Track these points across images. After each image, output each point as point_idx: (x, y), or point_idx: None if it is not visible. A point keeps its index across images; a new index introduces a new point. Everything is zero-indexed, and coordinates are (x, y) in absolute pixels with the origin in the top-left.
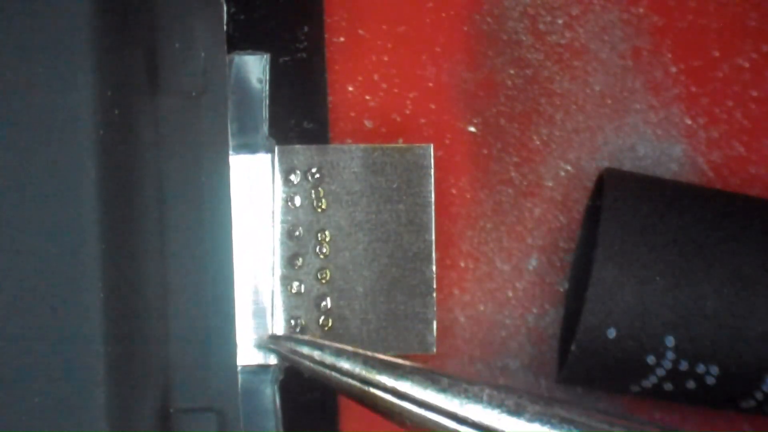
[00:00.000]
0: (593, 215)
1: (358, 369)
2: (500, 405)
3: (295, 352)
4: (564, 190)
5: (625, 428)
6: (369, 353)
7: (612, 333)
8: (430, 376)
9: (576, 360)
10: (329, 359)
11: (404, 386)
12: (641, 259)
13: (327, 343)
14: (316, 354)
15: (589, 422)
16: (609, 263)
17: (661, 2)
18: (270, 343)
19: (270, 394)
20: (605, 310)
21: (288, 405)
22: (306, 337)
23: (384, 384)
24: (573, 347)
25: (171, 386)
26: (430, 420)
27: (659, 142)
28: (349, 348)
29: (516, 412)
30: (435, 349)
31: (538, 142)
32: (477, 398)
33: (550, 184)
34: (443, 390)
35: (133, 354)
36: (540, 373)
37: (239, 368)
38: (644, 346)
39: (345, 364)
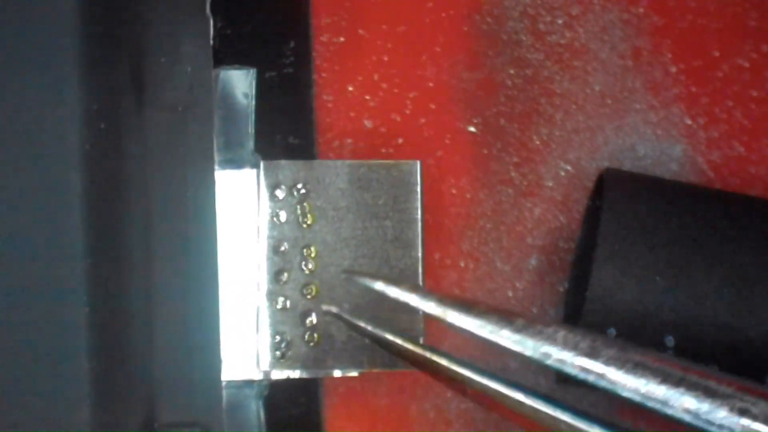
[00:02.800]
0: (593, 215)
1: (430, 307)
2: (575, 347)
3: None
4: (564, 190)
5: (700, 377)
6: (444, 293)
7: (612, 333)
8: (504, 316)
9: None
10: (404, 296)
11: (477, 326)
12: (641, 259)
13: (401, 282)
14: (391, 290)
15: (662, 368)
16: (609, 263)
17: (661, 2)
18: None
19: (254, 410)
20: (605, 310)
21: (272, 420)
22: (381, 274)
23: (457, 324)
24: None
25: (156, 401)
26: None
27: (659, 142)
28: (421, 287)
29: (591, 354)
30: None
31: (538, 142)
32: (551, 340)
33: (550, 184)
34: (518, 330)
35: (118, 369)
36: (540, 373)
37: (224, 383)
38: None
39: (418, 302)
